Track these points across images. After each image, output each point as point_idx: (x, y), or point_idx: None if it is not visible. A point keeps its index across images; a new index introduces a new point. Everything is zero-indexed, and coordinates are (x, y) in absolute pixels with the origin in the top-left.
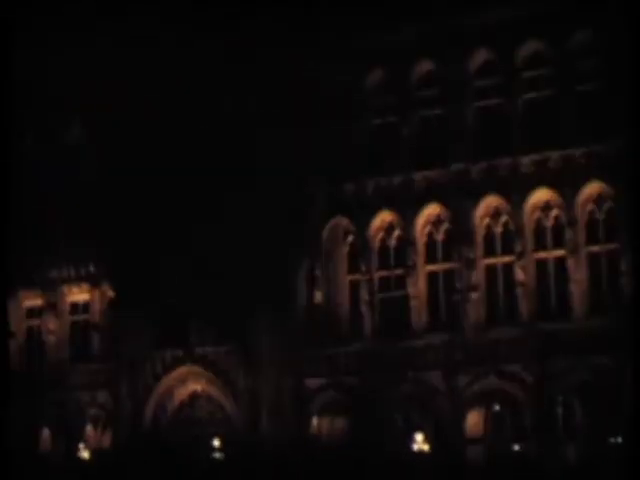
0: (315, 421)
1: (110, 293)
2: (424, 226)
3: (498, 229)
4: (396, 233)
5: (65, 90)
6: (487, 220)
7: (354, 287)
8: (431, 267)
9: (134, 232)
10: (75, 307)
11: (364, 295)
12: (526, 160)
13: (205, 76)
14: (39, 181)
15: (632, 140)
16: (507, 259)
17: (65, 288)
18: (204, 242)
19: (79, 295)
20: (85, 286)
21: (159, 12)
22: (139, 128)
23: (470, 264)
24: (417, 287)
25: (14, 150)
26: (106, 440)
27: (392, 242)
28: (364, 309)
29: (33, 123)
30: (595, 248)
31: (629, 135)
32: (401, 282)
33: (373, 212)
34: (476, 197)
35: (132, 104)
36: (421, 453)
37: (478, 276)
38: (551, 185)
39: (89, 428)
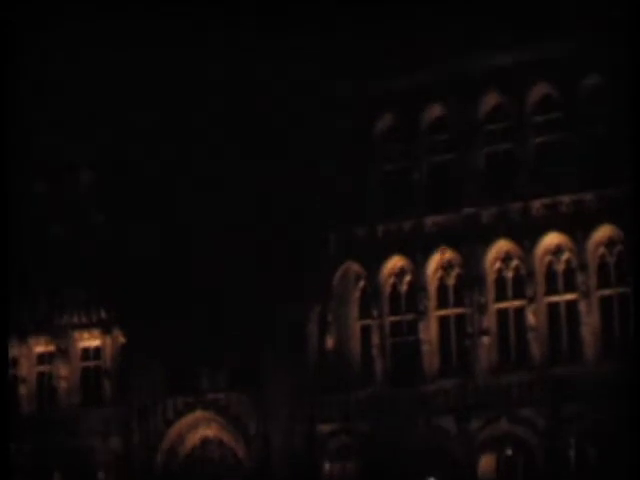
0: (327, 466)
1: (121, 339)
2: (435, 271)
3: (509, 273)
4: (407, 278)
5: (75, 136)
6: (498, 264)
7: (365, 332)
8: (442, 312)
9: (145, 277)
10: (86, 353)
11: (375, 340)
12: (537, 204)
13: (213, 122)
14: (49, 227)
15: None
16: (518, 303)
17: (76, 334)
18: (215, 286)
19: (90, 341)
20: (96, 332)
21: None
22: (148, 174)
23: (481, 309)
24: (428, 332)
25: (24, 197)
26: None
27: (403, 287)
28: (375, 354)
29: (42, 170)
30: (607, 292)
31: (634, 179)
32: (412, 327)
33: (384, 257)
34: (487, 241)
35: (141, 152)
36: None
37: (489, 320)
38: (562, 229)
39: (101, 474)
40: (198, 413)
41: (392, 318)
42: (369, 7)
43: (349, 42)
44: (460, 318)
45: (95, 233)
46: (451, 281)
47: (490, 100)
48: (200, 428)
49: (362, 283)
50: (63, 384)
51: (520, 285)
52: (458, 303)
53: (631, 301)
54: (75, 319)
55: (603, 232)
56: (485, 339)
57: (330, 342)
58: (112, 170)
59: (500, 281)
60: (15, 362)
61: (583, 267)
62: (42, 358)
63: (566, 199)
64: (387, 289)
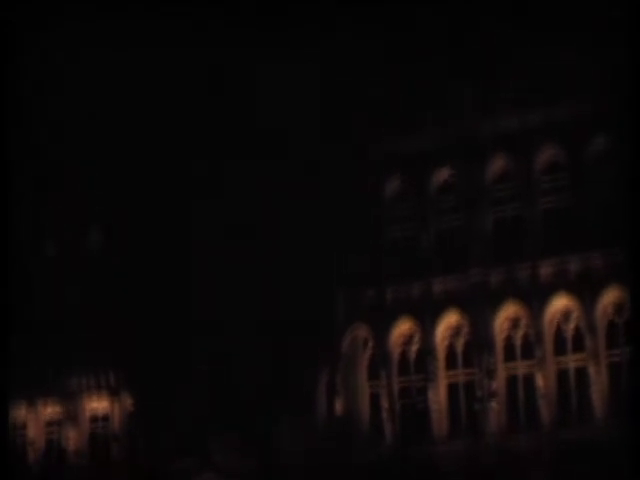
0: None
1: (129, 402)
2: (444, 334)
3: (518, 336)
4: (416, 341)
5: (84, 198)
6: (507, 327)
7: (374, 396)
8: (451, 375)
9: (155, 340)
10: (95, 417)
11: (384, 404)
12: (545, 267)
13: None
14: (57, 288)
15: None
16: (527, 366)
17: (84, 398)
18: (225, 350)
19: (98, 404)
20: (104, 395)
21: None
22: (157, 235)
23: (490, 372)
24: (437, 396)
25: (33, 259)
26: None
27: (412, 350)
28: (384, 418)
29: (52, 232)
30: (615, 353)
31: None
32: (421, 391)
33: (393, 320)
34: (496, 304)
35: (149, 213)
36: None
37: (498, 384)
38: (570, 291)
39: None
40: (207, 476)
41: (401, 382)
42: (377, 72)
43: (354, 106)
44: (469, 382)
45: (103, 295)
46: (460, 344)
47: (497, 163)
48: None
49: (370, 347)
50: (71, 448)
51: (529, 348)
52: (467, 366)
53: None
54: (83, 382)
55: (611, 294)
56: (494, 402)
57: (339, 405)
58: (120, 232)
59: (509, 344)
60: (23, 426)
61: (592, 329)
62: (50, 422)
63: (574, 261)
64: (396, 353)
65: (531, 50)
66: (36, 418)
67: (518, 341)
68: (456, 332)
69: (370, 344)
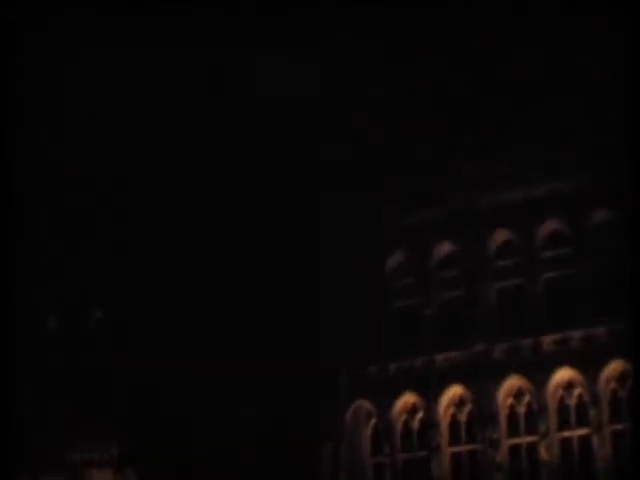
0: None
1: (133, 478)
2: (447, 407)
3: (521, 409)
4: (419, 415)
5: (87, 274)
6: (510, 400)
7: (378, 469)
8: (455, 448)
9: (157, 415)
10: None
11: (388, 477)
12: (548, 339)
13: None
14: (60, 362)
15: None
16: (531, 438)
17: (87, 472)
18: (225, 424)
19: (102, 479)
20: (108, 470)
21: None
22: (156, 312)
23: (494, 444)
24: (441, 468)
25: (36, 333)
26: None
27: (415, 424)
28: None
29: (55, 307)
30: (619, 426)
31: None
32: (425, 464)
33: (396, 394)
34: (499, 377)
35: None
36: None
37: (502, 456)
38: (573, 364)
39: None
40: None
41: (404, 455)
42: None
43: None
44: (473, 454)
45: (105, 369)
46: (463, 417)
47: (500, 236)
48: None
49: (374, 420)
50: None
51: (532, 420)
52: (470, 439)
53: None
54: (86, 456)
55: (615, 367)
56: (498, 474)
57: (342, 479)
58: (121, 309)
59: (512, 417)
60: None
61: (595, 402)
62: None
63: (577, 334)
64: (399, 426)
65: (530, 122)
66: None
67: (522, 414)
68: (460, 405)
69: (373, 418)
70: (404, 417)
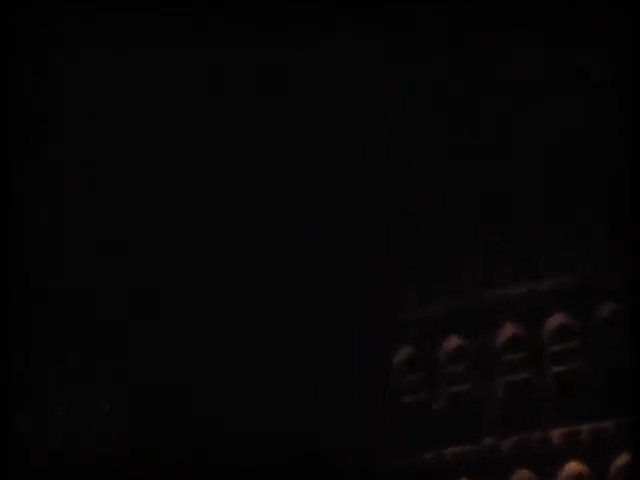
0: None
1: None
2: None
3: None
4: None
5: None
6: None
7: None
8: None
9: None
10: None
11: None
12: (556, 433)
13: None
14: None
15: None
16: None
17: None
18: None
19: None
20: None
21: None
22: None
23: None
24: None
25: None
26: None
27: None
28: None
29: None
30: None
31: None
32: None
33: None
34: (507, 472)
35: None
36: None
37: None
38: (582, 458)
39: None
40: None
41: None
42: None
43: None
44: None
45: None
46: None
47: (507, 330)
48: None
49: None
50: None
51: None
52: None
53: None
54: None
55: (624, 460)
56: None
57: None
58: (129, 401)
59: None
60: None
61: None
62: None
63: (586, 428)
64: None
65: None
66: None
67: None
68: None
69: None
70: None
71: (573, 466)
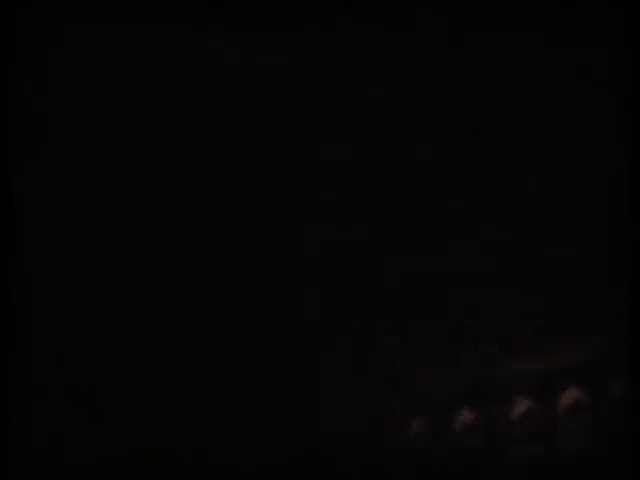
0: None
1: None
2: None
3: None
4: None
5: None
6: None
7: None
8: None
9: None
10: None
11: None
12: None
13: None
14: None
15: None
16: None
17: None
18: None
19: None
20: None
21: None
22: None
23: None
24: None
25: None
26: None
27: None
28: None
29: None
30: None
31: None
32: None
33: None
34: None
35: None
36: None
37: None
38: None
39: None
40: None
41: None
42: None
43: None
44: None
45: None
46: None
47: (521, 405)
48: None
49: None
50: None
51: None
52: None
53: None
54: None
55: None
56: None
57: None
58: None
59: None
60: None
61: None
62: None
63: None
64: None
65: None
66: None
67: None
68: None
69: None
70: None
71: None
